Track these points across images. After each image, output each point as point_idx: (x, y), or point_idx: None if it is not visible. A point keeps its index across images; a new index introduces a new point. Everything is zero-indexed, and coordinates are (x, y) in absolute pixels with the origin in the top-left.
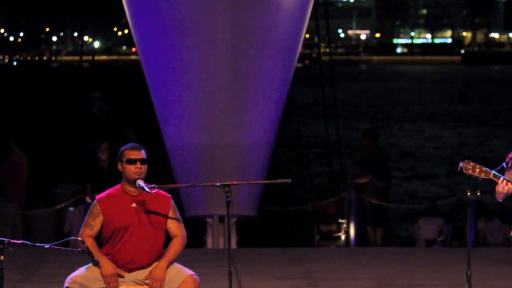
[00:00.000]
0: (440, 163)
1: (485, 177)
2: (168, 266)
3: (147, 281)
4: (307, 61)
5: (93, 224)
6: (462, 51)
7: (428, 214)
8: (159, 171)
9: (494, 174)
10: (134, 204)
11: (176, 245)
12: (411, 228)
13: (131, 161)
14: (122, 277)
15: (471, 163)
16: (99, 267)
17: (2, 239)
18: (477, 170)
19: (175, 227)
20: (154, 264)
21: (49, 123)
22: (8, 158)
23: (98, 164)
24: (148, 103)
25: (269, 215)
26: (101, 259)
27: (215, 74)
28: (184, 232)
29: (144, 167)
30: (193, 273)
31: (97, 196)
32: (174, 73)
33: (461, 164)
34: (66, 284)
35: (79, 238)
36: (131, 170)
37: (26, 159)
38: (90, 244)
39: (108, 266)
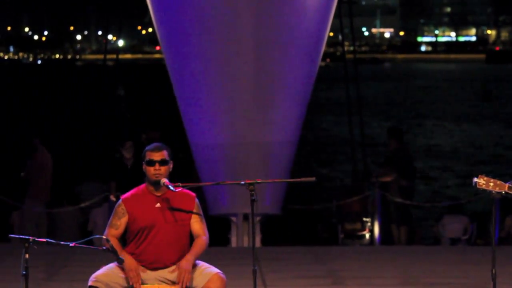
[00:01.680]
0: (465, 161)
1: (499, 191)
2: (194, 260)
3: (171, 279)
4: (328, 60)
5: (118, 224)
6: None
7: (453, 212)
8: (188, 169)
9: (509, 186)
10: (158, 204)
11: (200, 242)
12: (436, 226)
13: (149, 163)
14: (144, 272)
15: (485, 178)
16: (123, 266)
17: (27, 237)
18: (491, 184)
19: (198, 227)
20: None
21: (74, 122)
22: (32, 157)
23: (123, 163)
24: (173, 101)
25: (294, 214)
26: (123, 255)
27: (239, 73)
28: (207, 231)
29: (164, 168)
30: (219, 271)
31: (122, 196)
32: (198, 72)
33: (474, 180)
34: (89, 283)
35: (104, 237)
36: (150, 171)
37: (51, 158)
38: (115, 244)
39: (130, 261)
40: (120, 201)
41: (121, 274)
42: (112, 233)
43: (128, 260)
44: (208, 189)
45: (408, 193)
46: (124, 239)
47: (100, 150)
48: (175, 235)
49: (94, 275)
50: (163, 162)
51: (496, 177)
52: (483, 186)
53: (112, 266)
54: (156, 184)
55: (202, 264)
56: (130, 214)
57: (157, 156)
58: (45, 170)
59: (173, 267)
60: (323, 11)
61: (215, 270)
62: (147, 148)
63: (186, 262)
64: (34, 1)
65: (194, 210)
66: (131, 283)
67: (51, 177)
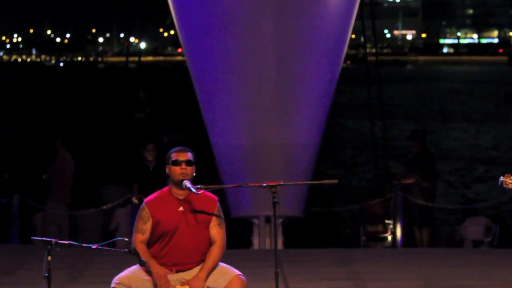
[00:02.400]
0: (488, 163)
1: None
2: (207, 276)
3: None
4: (348, 62)
5: (144, 228)
6: None
7: (475, 214)
8: (210, 171)
9: None
10: (181, 208)
11: (214, 253)
12: (458, 229)
13: (176, 163)
14: (172, 273)
15: (511, 177)
16: (146, 268)
17: (49, 239)
18: None
19: (216, 232)
20: (200, 266)
21: (95, 124)
22: (54, 159)
23: (145, 165)
24: (195, 103)
25: (316, 216)
26: (151, 263)
27: (261, 75)
28: (224, 237)
29: (190, 169)
30: (240, 273)
31: (146, 200)
32: (220, 73)
33: (501, 179)
34: (112, 285)
35: (126, 239)
36: (176, 171)
37: (73, 160)
38: (142, 250)
39: (158, 270)
40: (143, 204)
41: (144, 276)
42: (139, 238)
43: (157, 267)
44: (230, 191)
45: (430, 195)
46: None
47: (121, 153)
48: (197, 238)
49: (117, 277)
50: (189, 163)
51: None
52: (510, 186)
53: (135, 268)
54: (181, 183)
55: (223, 266)
56: (153, 217)
57: (182, 157)
58: (67, 172)
59: (196, 269)
60: (345, 12)
61: (235, 271)
62: (172, 150)
63: (198, 281)
64: (56, 3)
65: (215, 213)
66: None
67: (72, 179)
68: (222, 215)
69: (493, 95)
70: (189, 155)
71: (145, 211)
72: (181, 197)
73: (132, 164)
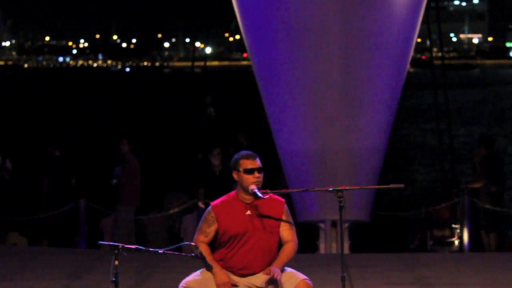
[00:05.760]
0: None
1: None
2: (280, 268)
3: (259, 285)
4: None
5: (208, 231)
6: None
7: None
8: (275, 176)
9: None
10: (248, 212)
11: (288, 250)
12: None
13: (248, 171)
14: (236, 286)
15: None
16: (212, 272)
17: (116, 244)
18: None
19: (287, 232)
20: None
21: (161, 129)
22: (123, 164)
23: (211, 170)
24: (260, 108)
25: (382, 220)
26: (215, 268)
27: (327, 79)
28: (296, 237)
29: (261, 176)
30: (306, 277)
31: (212, 203)
32: (286, 78)
33: None
34: None
35: (193, 244)
36: (250, 180)
37: (139, 164)
38: (205, 250)
39: (221, 275)
40: (209, 208)
41: (211, 280)
42: (201, 239)
43: (220, 274)
44: (297, 195)
45: (498, 199)
46: (212, 245)
47: (188, 157)
48: (265, 242)
49: (184, 281)
50: (260, 170)
51: None
52: None
53: (202, 272)
54: (250, 189)
55: (290, 271)
56: (219, 222)
57: (254, 164)
58: (135, 177)
59: (261, 274)
60: (411, 16)
61: (301, 276)
62: (239, 156)
63: (276, 267)
64: (123, 9)
65: (283, 216)
66: None
67: (140, 183)
68: (291, 217)
69: None
70: (259, 162)
71: (210, 215)
72: (248, 201)
73: (198, 168)
